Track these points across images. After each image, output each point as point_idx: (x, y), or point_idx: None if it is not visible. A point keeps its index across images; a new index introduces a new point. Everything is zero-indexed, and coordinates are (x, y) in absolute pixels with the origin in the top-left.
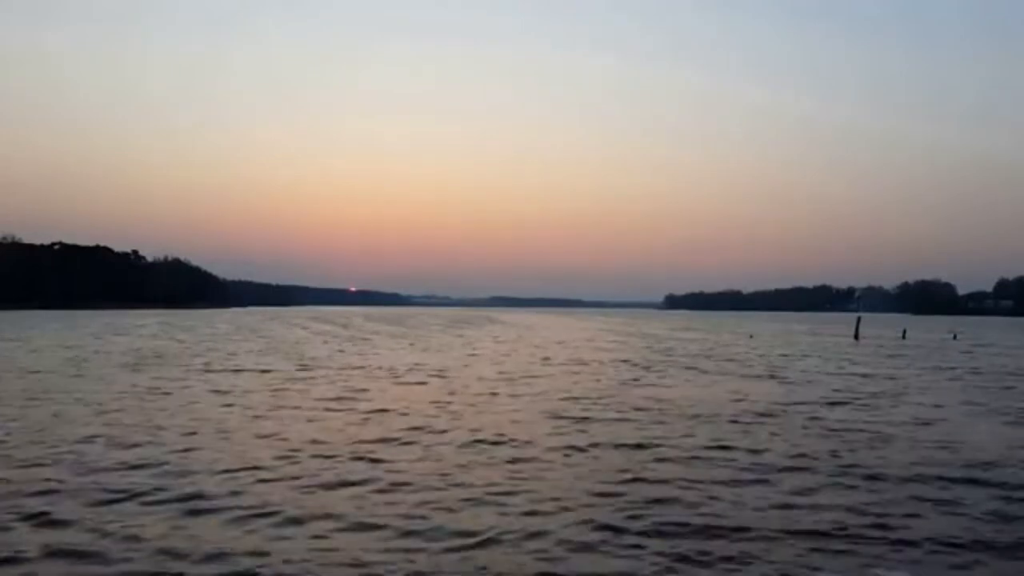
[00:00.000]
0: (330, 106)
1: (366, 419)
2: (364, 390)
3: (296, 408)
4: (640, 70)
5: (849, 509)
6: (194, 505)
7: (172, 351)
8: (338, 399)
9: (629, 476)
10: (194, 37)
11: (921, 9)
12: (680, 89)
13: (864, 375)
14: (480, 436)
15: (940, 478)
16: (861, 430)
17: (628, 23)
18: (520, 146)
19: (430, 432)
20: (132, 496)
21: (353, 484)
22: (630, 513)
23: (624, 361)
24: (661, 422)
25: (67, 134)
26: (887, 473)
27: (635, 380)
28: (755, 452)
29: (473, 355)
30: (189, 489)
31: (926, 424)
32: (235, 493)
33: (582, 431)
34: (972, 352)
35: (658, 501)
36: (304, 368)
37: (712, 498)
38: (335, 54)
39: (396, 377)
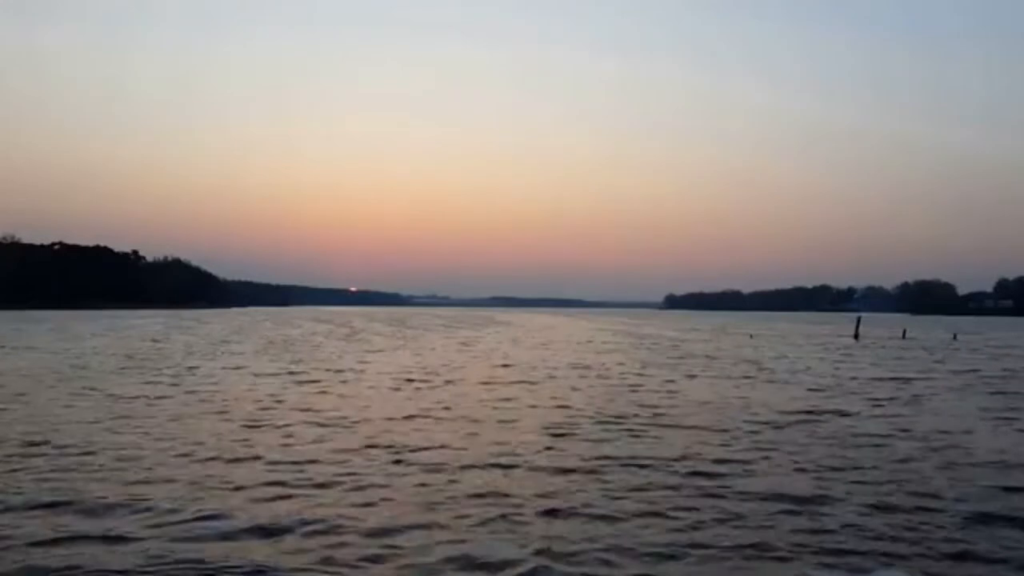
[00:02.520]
0: (330, 106)
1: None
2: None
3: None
4: (640, 70)
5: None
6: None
7: (163, 353)
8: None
9: (638, 505)
10: (194, 37)
11: (923, 10)
12: (681, 89)
13: (871, 379)
14: (477, 454)
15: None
16: (886, 442)
17: (629, 23)
18: (520, 146)
19: (408, 453)
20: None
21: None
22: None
23: (629, 364)
24: (670, 436)
25: (67, 134)
26: (929, 494)
27: (641, 386)
28: (776, 474)
29: (474, 358)
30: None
31: (951, 434)
32: None
33: (584, 445)
34: (976, 353)
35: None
36: (294, 372)
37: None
38: (335, 54)
39: (381, 384)
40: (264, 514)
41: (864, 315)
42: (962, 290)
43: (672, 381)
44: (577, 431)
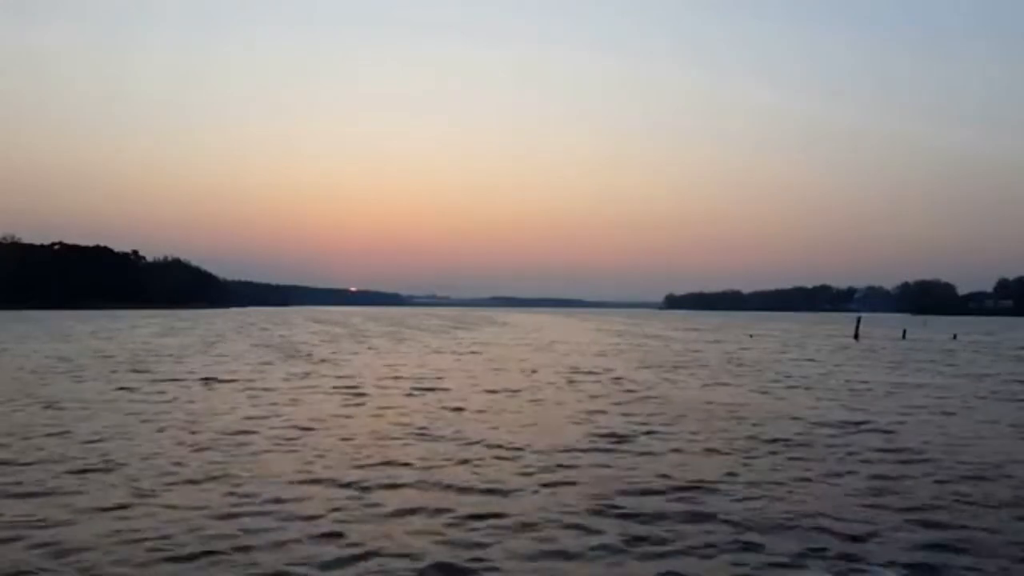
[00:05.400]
0: (330, 106)
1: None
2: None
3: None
4: (640, 70)
5: None
6: None
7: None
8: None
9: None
10: (194, 37)
11: (923, 10)
12: (681, 89)
13: (876, 382)
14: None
15: None
16: (916, 460)
17: (629, 23)
18: (520, 146)
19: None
20: None
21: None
22: None
23: (636, 368)
24: (688, 453)
25: (67, 134)
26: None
27: (650, 392)
28: (810, 501)
29: (472, 361)
30: None
31: (970, 447)
32: None
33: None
34: (981, 355)
35: None
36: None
37: None
38: (335, 54)
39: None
40: None
41: (864, 315)
42: (962, 290)
43: (682, 387)
44: (585, 446)
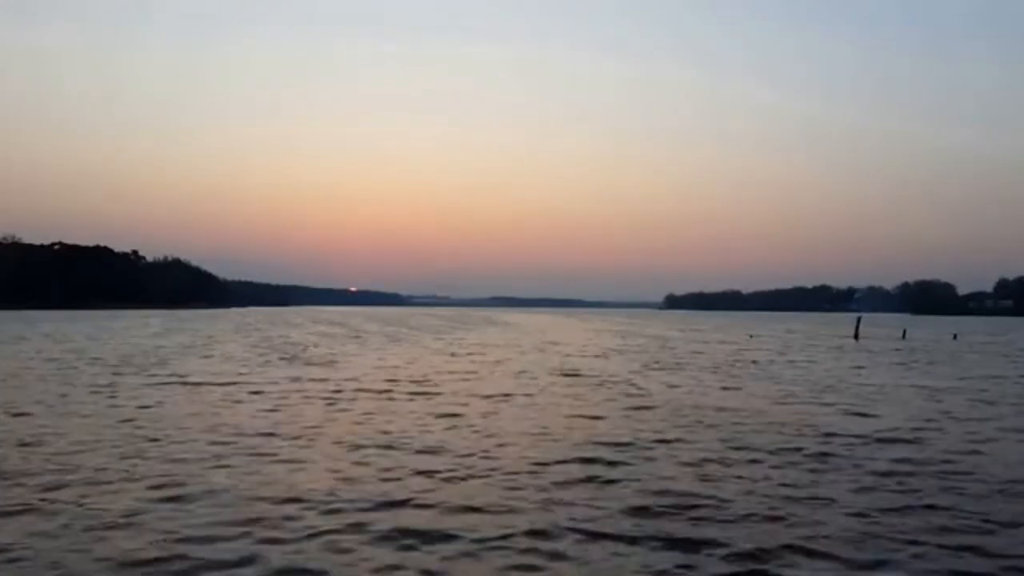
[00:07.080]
0: (330, 106)
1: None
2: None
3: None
4: (641, 70)
5: None
6: None
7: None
8: None
9: None
10: (194, 37)
11: (924, 10)
12: (682, 89)
13: (883, 384)
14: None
15: None
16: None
17: (629, 23)
18: (520, 146)
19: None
20: None
21: None
22: None
23: (641, 370)
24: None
25: (67, 134)
26: None
27: (648, 396)
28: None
29: (463, 362)
30: None
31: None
32: None
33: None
34: (987, 356)
35: None
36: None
37: None
38: (335, 54)
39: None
40: None
41: (864, 315)
42: (962, 290)
43: (685, 391)
44: (588, 455)
